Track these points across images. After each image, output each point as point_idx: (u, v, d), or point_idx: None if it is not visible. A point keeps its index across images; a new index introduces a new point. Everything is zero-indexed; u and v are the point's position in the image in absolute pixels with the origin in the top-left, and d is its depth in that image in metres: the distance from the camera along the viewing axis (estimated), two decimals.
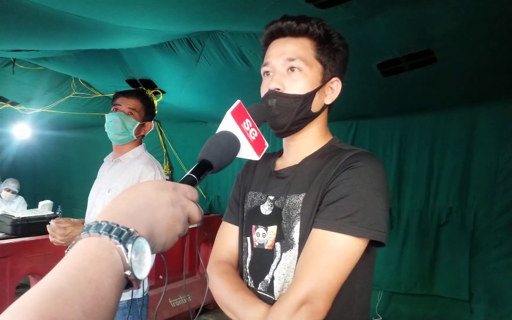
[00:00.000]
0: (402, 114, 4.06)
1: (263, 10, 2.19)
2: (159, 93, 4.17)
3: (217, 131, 0.86)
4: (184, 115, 5.15)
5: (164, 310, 4.07)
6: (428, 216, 3.98)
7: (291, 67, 1.05)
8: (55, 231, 1.95)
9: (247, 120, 0.89)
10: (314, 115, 1.09)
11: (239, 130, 0.87)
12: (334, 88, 1.10)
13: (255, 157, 0.89)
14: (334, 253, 0.92)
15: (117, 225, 0.51)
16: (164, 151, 5.79)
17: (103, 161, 2.29)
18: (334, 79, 1.09)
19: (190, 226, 0.66)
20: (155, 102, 4.10)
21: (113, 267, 0.48)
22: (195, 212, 0.64)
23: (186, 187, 0.65)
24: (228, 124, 0.87)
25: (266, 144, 0.93)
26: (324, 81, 1.07)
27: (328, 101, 1.10)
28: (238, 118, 0.87)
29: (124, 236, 0.50)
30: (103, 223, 0.51)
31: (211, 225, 4.62)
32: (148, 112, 2.20)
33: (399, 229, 4.13)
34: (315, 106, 1.07)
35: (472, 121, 3.72)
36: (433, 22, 2.37)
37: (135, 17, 2.43)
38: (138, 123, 2.14)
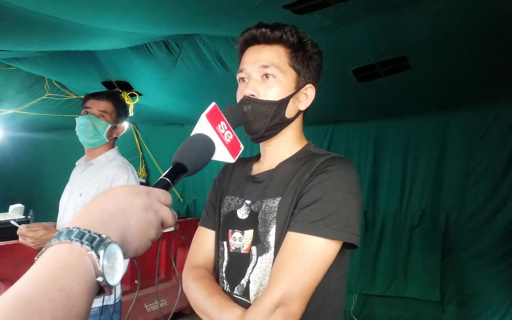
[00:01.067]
0: (377, 119, 4.15)
1: (242, 15, 2.20)
2: (136, 95, 4.11)
3: (192, 134, 0.86)
4: (161, 118, 5.10)
5: (140, 315, 4.00)
6: (401, 219, 4.07)
7: (265, 74, 1.06)
8: (26, 234, 1.90)
9: (222, 122, 0.90)
10: (289, 121, 1.11)
11: (214, 132, 0.87)
12: (308, 95, 1.12)
13: (230, 159, 0.90)
14: (308, 255, 0.94)
15: (89, 231, 0.50)
16: (140, 154, 5.71)
17: (75, 165, 2.25)
18: (308, 85, 1.11)
19: (164, 231, 0.66)
20: (131, 104, 4.05)
21: (85, 274, 0.48)
22: (169, 216, 0.64)
23: (159, 191, 0.64)
24: (203, 126, 0.87)
25: (241, 146, 0.93)
26: (298, 87, 1.10)
27: (303, 107, 1.12)
28: (213, 120, 0.88)
29: (96, 242, 0.50)
30: (74, 229, 0.50)
31: (188, 229, 4.58)
32: (120, 114, 2.16)
33: (373, 232, 4.20)
34: (289, 112, 1.09)
35: (444, 126, 3.83)
36: (407, 30, 2.43)
37: (112, 19, 2.39)
38: (110, 125, 2.10)
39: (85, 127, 2.06)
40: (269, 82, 1.06)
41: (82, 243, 0.49)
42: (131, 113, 4.17)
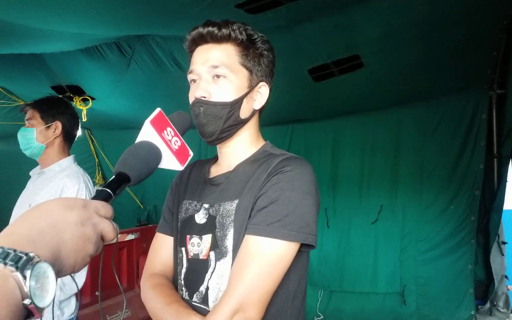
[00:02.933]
0: (334, 117, 4.22)
1: (193, 14, 2.16)
2: (88, 100, 3.96)
3: (136, 141, 0.83)
4: (116, 122, 4.96)
5: None
6: (361, 214, 4.15)
7: (216, 74, 1.03)
8: None
9: (168, 129, 0.87)
10: (244, 121, 1.08)
11: (159, 139, 0.84)
12: (263, 93, 1.10)
13: (178, 167, 0.87)
14: (265, 258, 0.92)
15: (14, 251, 0.47)
16: (97, 160, 5.52)
17: (29, 175, 2.16)
18: (261, 83, 1.09)
19: (107, 243, 0.64)
20: (84, 109, 3.90)
21: (8, 297, 0.45)
22: (109, 229, 0.62)
23: (98, 204, 0.62)
24: (147, 133, 0.84)
25: (191, 153, 0.91)
26: (251, 86, 1.07)
27: (258, 106, 1.10)
28: (158, 127, 0.85)
29: (22, 262, 0.46)
30: None
31: (149, 236, 4.46)
32: (47, 114, 2.05)
33: (335, 228, 4.27)
34: (244, 112, 1.06)
35: (398, 122, 3.96)
36: (357, 29, 2.49)
37: (57, 20, 2.28)
38: (37, 129, 2.01)
39: (20, 141, 2.03)
40: (220, 83, 1.03)
41: (5, 264, 0.46)
42: (84, 119, 4.02)
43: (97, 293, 3.96)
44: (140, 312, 4.23)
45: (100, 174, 5.50)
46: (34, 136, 2.01)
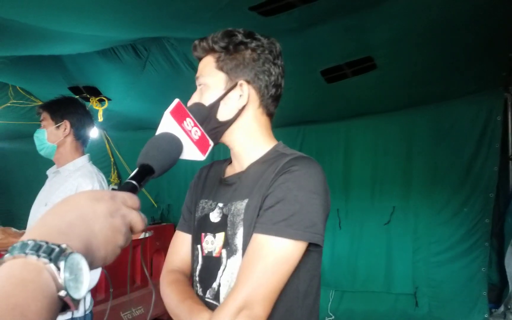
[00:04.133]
0: (346, 119, 4.21)
1: (207, 17, 2.19)
2: (104, 101, 4.04)
3: (156, 133, 0.83)
4: (131, 122, 5.02)
5: None
6: (373, 216, 4.14)
7: (199, 83, 1.11)
8: None
9: (188, 119, 0.87)
10: (227, 123, 1.09)
11: (180, 129, 0.84)
12: (244, 91, 1.08)
13: (200, 157, 0.87)
14: (271, 257, 0.94)
15: (46, 243, 0.46)
16: (112, 160, 5.60)
17: (46, 174, 2.21)
18: (240, 82, 1.08)
19: (138, 237, 0.64)
20: (100, 110, 3.97)
21: (42, 289, 0.44)
22: (137, 220, 0.60)
23: (125, 195, 0.61)
24: (167, 124, 0.84)
25: (211, 142, 0.91)
26: (227, 88, 1.08)
27: (241, 104, 1.09)
28: (178, 117, 0.85)
29: (55, 254, 0.46)
30: (29, 242, 0.46)
31: (162, 234, 4.52)
32: (55, 115, 2.08)
33: (347, 230, 4.26)
34: (223, 114, 1.08)
35: (411, 124, 3.93)
36: (370, 31, 2.49)
37: (74, 22, 2.34)
38: (48, 129, 2.06)
39: (35, 142, 2.11)
40: (201, 91, 1.09)
41: (38, 256, 0.45)
42: (100, 119, 4.09)
43: (111, 290, 4.03)
44: (154, 310, 4.29)
45: (115, 173, 5.58)
46: (45, 136, 2.06)
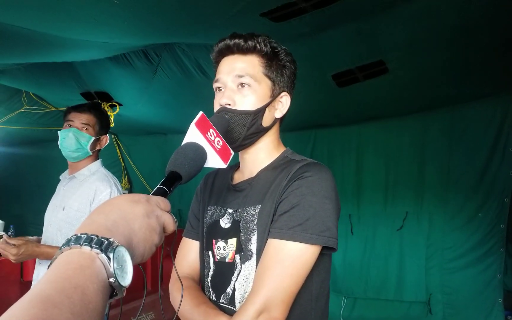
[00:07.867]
0: (358, 123, 4.18)
1: (218, 24, 2.20)
2: (116, 106, 4.06)
3: (183, 143, 0.89)
4: (142, 128, 5.06)
5: None
6: (386, 221, 4.10)
7: (241, 83, 1.08)
8: (6, 250, 1.87)
9: (211, 130, 0.92)
10: (265, 129, 1.12)
11: (204, 140, 0.89)
12: (284, 103, 1.14)
13: (222, 165, 0.92)
14: (288, 261, 0.96)
15: (97, 236, 0.53)
16: (122, 165, 5.64)
17: (59, 179, 2.23)
18: (283, 93, 1.13)
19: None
20: (112, 115, 4.00)
21: (97, 274, 0.50)
22: (170, 221, 0.67)
23: (158, 198, 0.68)
24: (193, 135, 0.89)
25: (231, 152, 0.96)
26: (273, 96, 1.11)
27: (279, 115, 1.14)
28: (202, 128, 0.90)
29: (105, 245, 0.52)
30: (82, 235, 0.53)
31: (172, 239, 4.50)
32: (102, 126, 2.15)
33: (360, 235, 4.22)
34: (266, 121, 1.11)
35: (423, 128, 3.89)
36: (382, 35, 2.47)
37: (88, 31, 2.36)
38: (93, 138, 2.08)
39: (68, 141, 2.04)
40: (245, 92, 1.07)
41: (91, 247, 0.52)
42: (111, 124, 4.12)
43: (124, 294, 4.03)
44: (164, 315, 4.29)
45: (126, 178, 5.62)
46: (89, 143, 2.07)
